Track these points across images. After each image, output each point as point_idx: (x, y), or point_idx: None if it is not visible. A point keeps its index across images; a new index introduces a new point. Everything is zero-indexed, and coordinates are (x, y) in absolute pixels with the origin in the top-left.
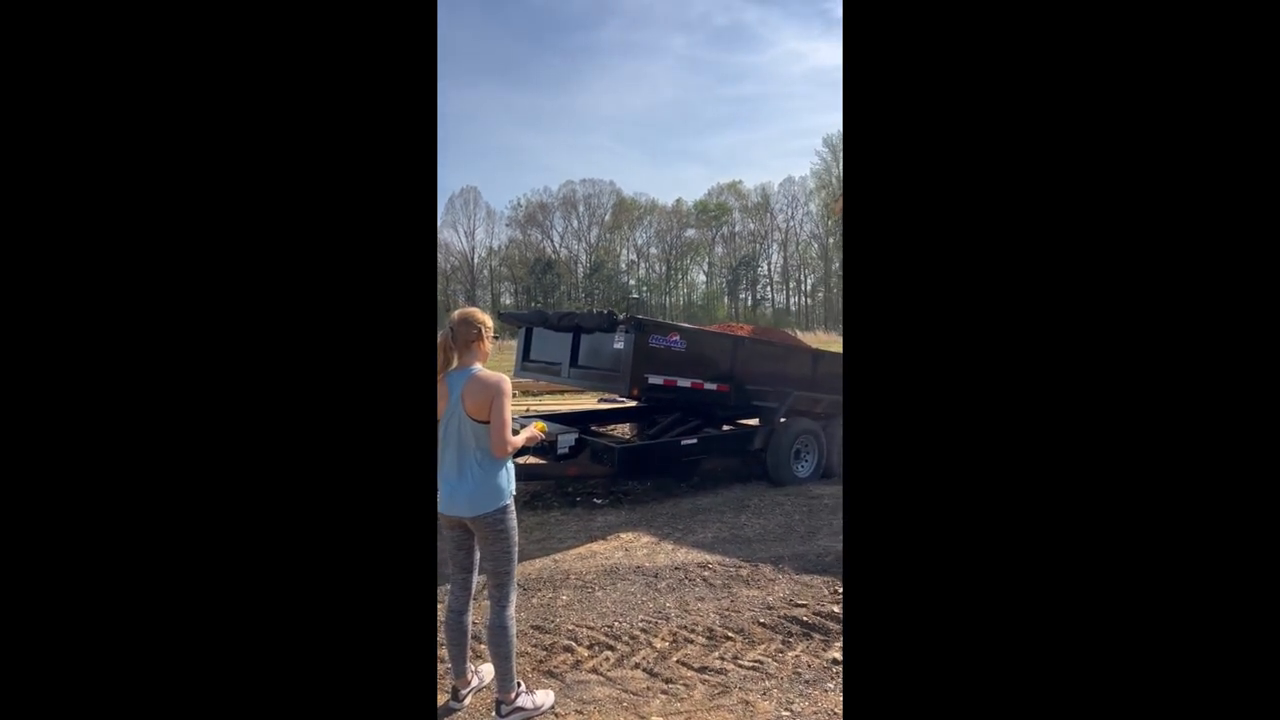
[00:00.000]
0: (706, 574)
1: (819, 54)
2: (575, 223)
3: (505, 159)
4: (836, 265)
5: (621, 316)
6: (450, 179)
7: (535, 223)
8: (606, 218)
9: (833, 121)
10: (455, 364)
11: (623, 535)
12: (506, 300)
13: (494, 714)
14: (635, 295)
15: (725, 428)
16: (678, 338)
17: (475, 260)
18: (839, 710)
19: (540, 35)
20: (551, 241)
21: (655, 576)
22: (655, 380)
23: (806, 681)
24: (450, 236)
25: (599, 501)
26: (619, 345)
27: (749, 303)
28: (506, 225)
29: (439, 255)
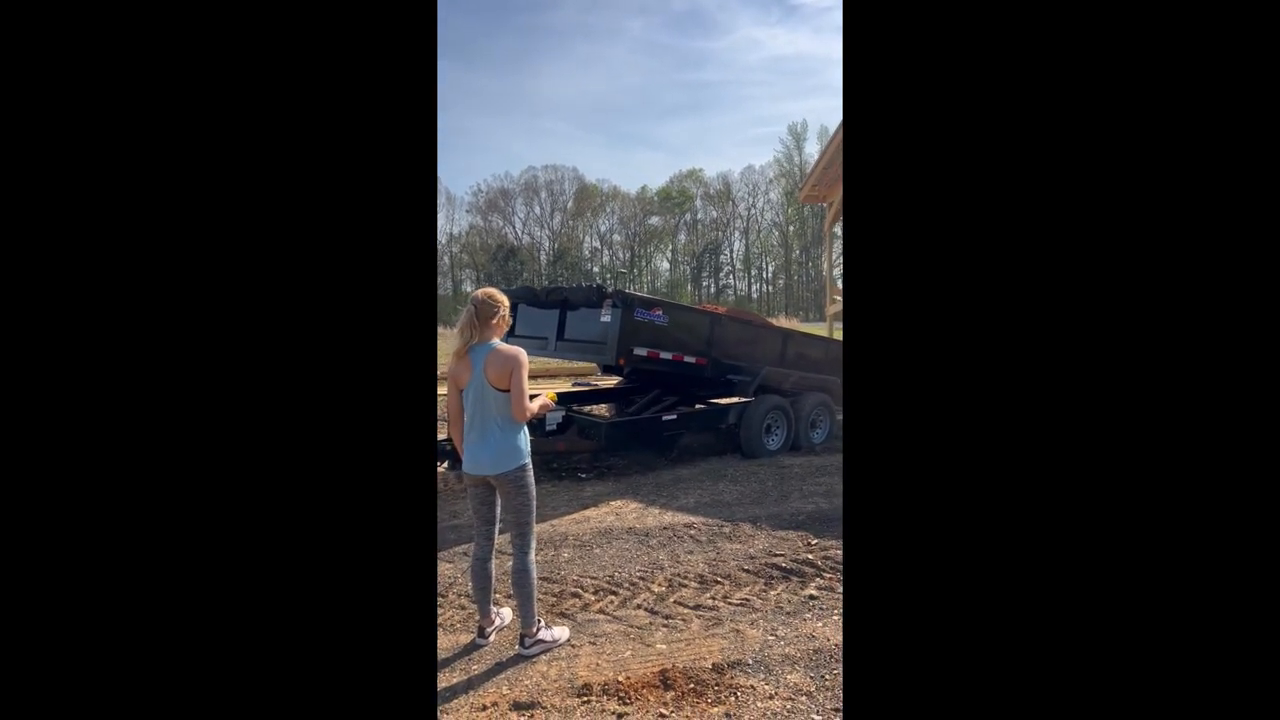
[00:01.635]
0: (693, 532)
1: (776, 41)
2: (538, 209)
3: (462, 143)
4: (797, 252)
5: (609, 290)
6: None
7: (497, 209)
8: (569, 204)
9: (792, 110)
10: (476, 339)
11: (612, 503)
12: (467, 288)
13: (519, 646)
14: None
15: (698, 406)
16: (660, 312)
17: (436, 247)
18: (815, 634)
19: (493, 13)
20: (514, 228)
21: (646, 535)
22: (640, 352)
23: (787, 613)
24: None
25: (584, 476)
26: (606, 319)
27: (712, 290)
28: (467, 211)
29: None
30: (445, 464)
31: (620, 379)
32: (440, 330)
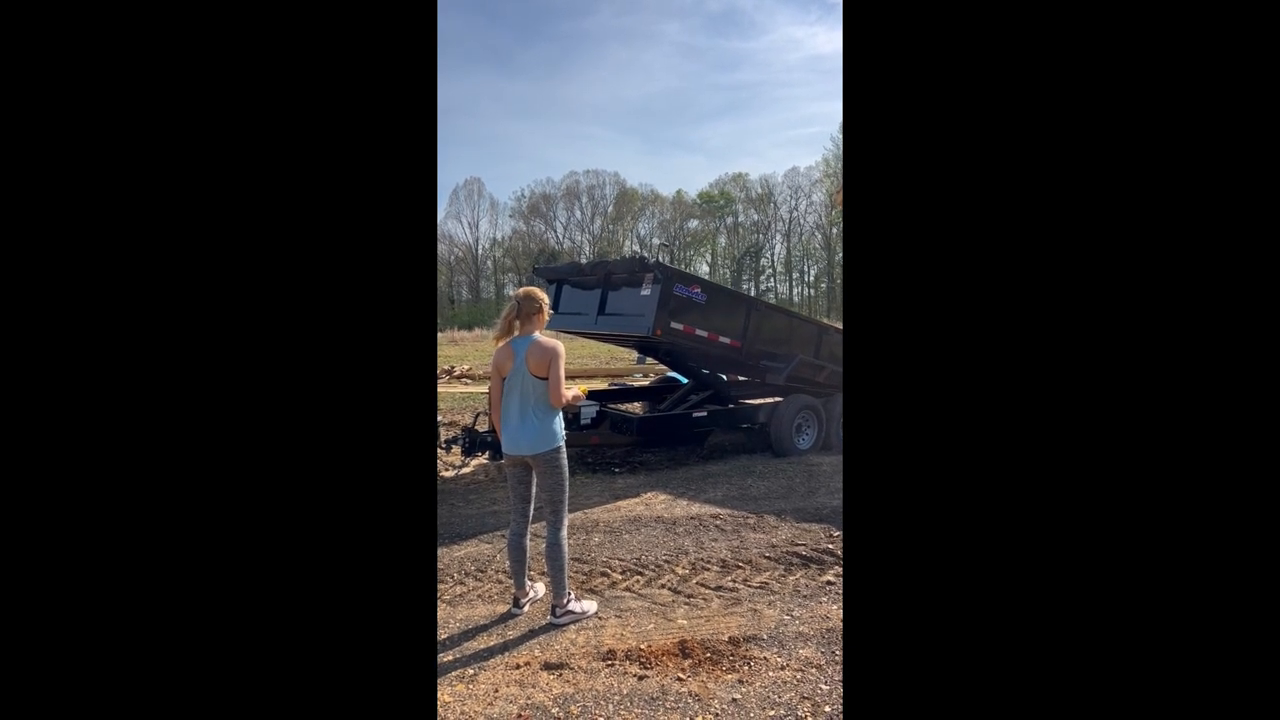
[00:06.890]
0: (718, 522)
1: (816, 40)
2: (578, 214)
3: (506, 150)
4: (840, 256)
5: (651, 263)
6: (453, 171)
7: (539, 214)
8: (609, 209)
9: (833, 109)
10: (518, 331)
11: (643, 494)
12: (509, 291)
13: (550, 616)
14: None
15: (730, 405)
16: (699, 289)
17: (479, 251)
18: (829, 616)
19: (530, 22)
20: (555, 233)
21: (674, 524)
22: (677, 326)
23: (804, 597)
24: (454, 228)
25: (617, 470)
26: (646, 293)
27: (753, 292)
28: (510, 216)
29: (443, 247)
30: (487, 454)
31: (652, 364)
32: (481, 332)
